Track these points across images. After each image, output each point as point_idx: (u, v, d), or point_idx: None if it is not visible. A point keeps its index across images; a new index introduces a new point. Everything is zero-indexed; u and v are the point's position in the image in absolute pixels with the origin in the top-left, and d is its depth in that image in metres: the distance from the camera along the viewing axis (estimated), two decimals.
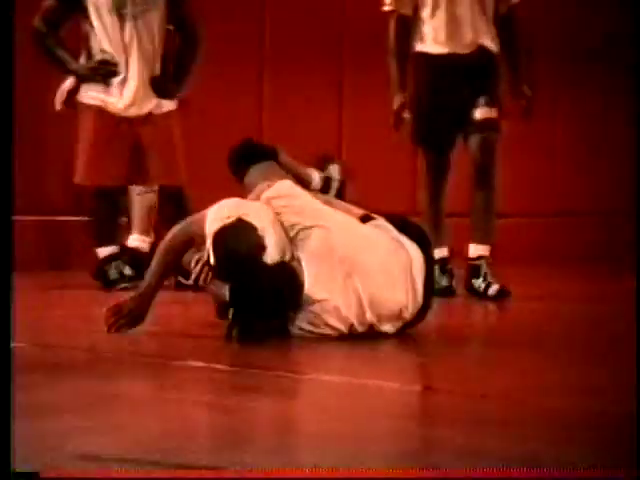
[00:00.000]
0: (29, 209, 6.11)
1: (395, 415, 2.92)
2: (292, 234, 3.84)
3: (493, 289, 5.40)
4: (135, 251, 5.72)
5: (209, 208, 3.88)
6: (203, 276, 3.95)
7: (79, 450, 2.43)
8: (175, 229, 3.96)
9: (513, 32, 5.52)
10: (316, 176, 4.39)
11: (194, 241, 3.91)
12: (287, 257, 3.83)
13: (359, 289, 3.82)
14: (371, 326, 3.91)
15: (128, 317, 3.92)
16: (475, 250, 5.49)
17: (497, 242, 5.58)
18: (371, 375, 3.41)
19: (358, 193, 4.54)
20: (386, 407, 2.99)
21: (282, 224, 3.85)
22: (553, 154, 7.94)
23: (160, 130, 5.33)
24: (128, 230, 5.91)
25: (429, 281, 3.99)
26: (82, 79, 5.31)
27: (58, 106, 5.78)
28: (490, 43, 5.48)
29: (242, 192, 4.14)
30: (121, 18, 5.24)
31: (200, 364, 3.50)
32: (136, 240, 5.82)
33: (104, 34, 5.24)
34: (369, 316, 3.86)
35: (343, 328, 3.86)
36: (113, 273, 5.42)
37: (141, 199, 5.80)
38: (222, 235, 3.73)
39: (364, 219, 4.04)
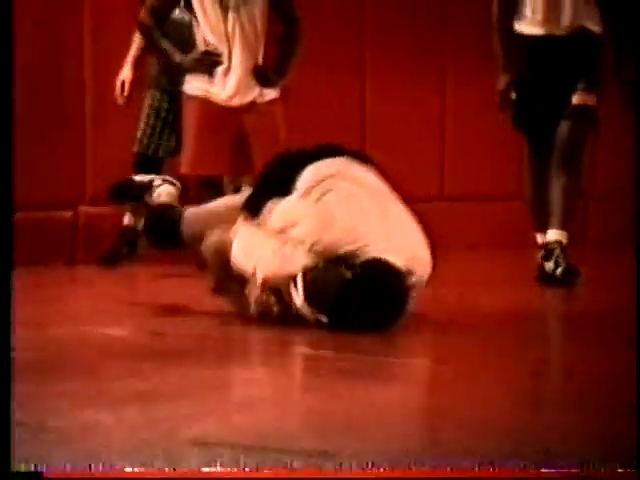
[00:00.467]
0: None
1: (506, 399, 2.90)
2: None
3: (560, 269, 5.32)
4: None
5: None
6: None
7: (190, 436, 2.46)
8: None
9: (617, 13, 5.40)
10: None
11: None
12: None
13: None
14: None
15: None
16: (552, 235, 5.41)
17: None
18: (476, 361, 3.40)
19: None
20: (500, 391, 2.97)
21: None
22: None
23: (263, 119, 5.36)
24: None
25: None
26: (187, 70, 5.36)
27: (120, 100, 5.85)
28: (592, 25, 5.37)
29: None
30: (224, 9, 5.28)
31: (307, 350, 3.52)
32: None
33: (207, 25, 5.28)
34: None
35: None
36: None
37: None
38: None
39: None
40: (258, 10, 5.32)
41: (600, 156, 7.02)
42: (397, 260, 3.79)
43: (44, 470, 1.78)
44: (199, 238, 4.09)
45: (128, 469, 2.21)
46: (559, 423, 2.61)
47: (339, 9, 6.95)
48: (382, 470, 1.82)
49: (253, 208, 3.98)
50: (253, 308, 3.90)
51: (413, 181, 7.09)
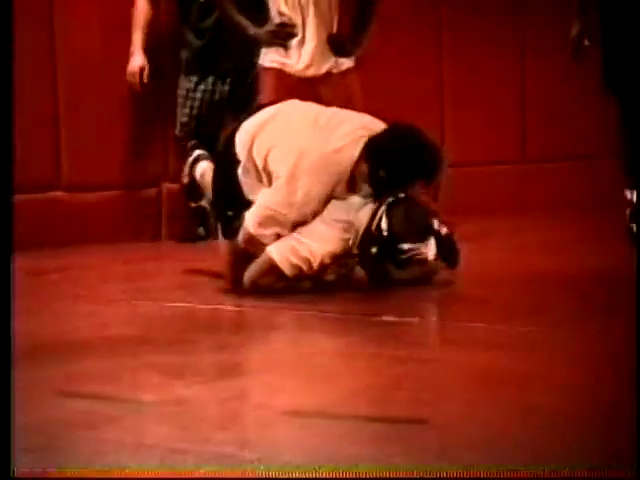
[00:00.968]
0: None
1: (603, 361, 2.87)
2: None
3: None
4: None
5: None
6: None
7: (284, 407, 2.48)
8: None
9: None
10: None
11: None
12: None
13: None
14: None
15: None
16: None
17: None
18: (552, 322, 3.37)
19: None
20: (594, 353, 2.95)
21: None
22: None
23: (340, 88, 5.35)
24: None
25: None
26: (263, 43, 5.37)
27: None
28: None
29: None
30: None
31: (393, 319, 3.52)
32: None
33: None
34: None
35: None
36: None
37: None
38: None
39: None
40: None
41: None
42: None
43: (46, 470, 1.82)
44: None
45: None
46: None
47: None
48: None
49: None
50: (330, 277, 3.97)
51: (495, 144, 7.05)
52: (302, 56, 5.32)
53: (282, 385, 2.73)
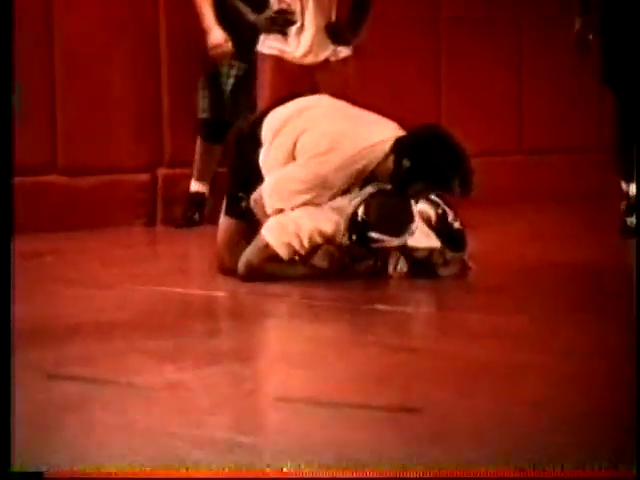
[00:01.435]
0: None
1: (593, 353, 2.88)
2: None
3: None
4: None
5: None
6: None
7: (276, 393, 2.49)
8: None
9: None
10: None
11: None
12: None
13: None
14: None
15: None
16: (635, 190, 5.32)
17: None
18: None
19: None
20: (584, 345, 2.96)
21: None
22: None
23: (337, 76, 5.35)
24: None
25: None
26: (261, 29, 5.36)
27: (227, 59, 5.81)
28: None
29: None
30: None
31: (386, 307, 3.53)
32: None
33: None
34: None
35: None
36: None
37: None
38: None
39: None
40: None
41: None
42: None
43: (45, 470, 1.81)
44: None
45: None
46: None
47: None
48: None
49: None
50: (322, 263, 3.98)
51: (492, 136, 7.04)
52: (301, 43, 5.32)
53: (274, 371, 2.73)
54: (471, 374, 2.65)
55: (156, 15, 6.04)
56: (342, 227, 3.96)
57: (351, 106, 4.33)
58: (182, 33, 6.04)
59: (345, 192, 4.02)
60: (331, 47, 5.37)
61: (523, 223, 6.01)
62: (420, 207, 4.05)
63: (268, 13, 5.32)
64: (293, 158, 4.10)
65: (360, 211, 3.94)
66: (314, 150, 4.02)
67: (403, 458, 2.00)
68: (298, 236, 3.92)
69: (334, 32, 5.34)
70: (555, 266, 4.43)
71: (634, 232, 5.28)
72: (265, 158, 4.12)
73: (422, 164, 3.99)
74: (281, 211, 3.98)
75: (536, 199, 6.91)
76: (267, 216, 4.00)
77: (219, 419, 2.29)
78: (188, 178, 5.97)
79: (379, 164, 4.04)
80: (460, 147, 4.07)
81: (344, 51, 5.40)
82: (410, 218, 3.98)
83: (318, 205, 3.98)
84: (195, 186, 5.96)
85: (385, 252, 3.99)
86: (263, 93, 5.42)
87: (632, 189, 5.37)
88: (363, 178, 4.06)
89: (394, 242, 3.94)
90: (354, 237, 3.94)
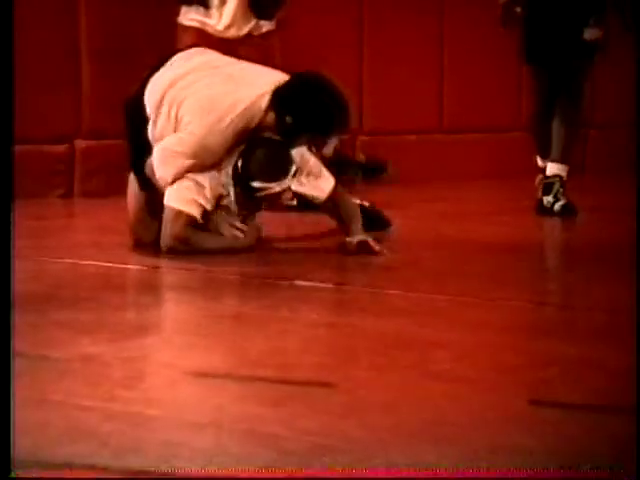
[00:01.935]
0: None
1: (505, 328, 2.92)
2: None
3: (558, 205, 5.35)
4: None
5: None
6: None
7: (191, 368, 2.48)
8: None
9: None
10: None
11: None
12: None
13: None
14: None
15: None
16: (553, 169, 5.42)
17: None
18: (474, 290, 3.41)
19: None
20: (497, 320, 3.00)
21: None
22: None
23: (260, 51, 5.32)
24: None
25: None
26: (182, 1, 5.31)
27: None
28: None
29: None
30: None
31: (307, 283, 3.53)
32: None
33: None
34: None
35: None
36: None
37: None
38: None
39: None
40: None
41: (600, 85, 6.98)
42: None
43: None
44: None
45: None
46: (558, 352, 2.64)
47: None
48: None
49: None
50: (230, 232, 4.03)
51: (412, 114, 7.09)
52: (223, 16, 5.28)
53: (189, 345, 2.72)
54: (386, 350, 2.67)
55: None
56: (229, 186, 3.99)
57: (233, 61, 4.34)
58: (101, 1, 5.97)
59: (231, 152, 4.03)
60: (254, 21, 5.34)
61: (443, 202, 6.06)
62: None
63: None
64: (179, 123, 4.10)
65: (239, 163, 3.95)
66: (194, 116, 4.03)
67: (316, 432, 2.01)
68: (200, 192, 3.96)
69: (257, 5, 5.31)
70: (472, 243, 4.48)
71: (550, 210, 5.37)
72: (152, 134, 4.12)
73: (305, 119, 4.01)
74: (174, 181, 3.98)
75: (455, 178, 6.97)
76: (164, 186, 4.02)
77: (132, 393, 2.28)
78: (107, 150, 5.91)
79: (261, 120, 4.04)
80: (339, 92, 4.08)
81: (267, 25, 5.38)
82: (288, 162, 3.98)
83: (205, 169, 4.00)
84: None
85: (274, 199, 4.00)
86: None
87: (548, 171, 5.45)
88: (247, 136, 4.06)
89: (276, 188, 3.95)
90: (238, 189, 3.96)
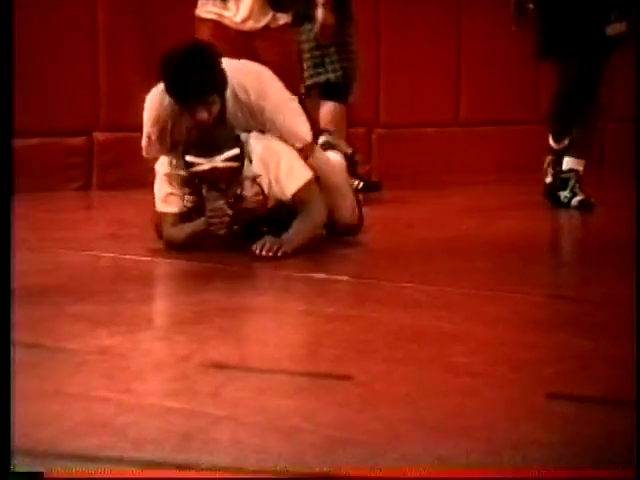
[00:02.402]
0: None
1: (521, 321, 2.91)
2: None
3: (576, 200, 5.32)
4: None
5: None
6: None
7: (209, 360, 2.48)
8: None
9: None
10: None
11: None
12: None
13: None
14: None
15: None
16: (569, 163, 5.39)
17: None
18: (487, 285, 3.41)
19: None
20: (513, 314, 2.99)
21: None
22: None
23: (277, 43, 5.32)
24: None
25: None
26: None
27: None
28: None
29: None
30: None
31: (322, 276, 3.53)
32: None
33: None
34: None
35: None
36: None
37: None
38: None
39: None
40: None
41: (618, 77, 6.95)
42: None
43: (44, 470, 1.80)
44: None
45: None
46: (575, 346, 2.63)
47: None
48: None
49: None
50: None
51: (429, 107, 7.07)
52: (240, 9, 5.28)
53: (206, 338, 2.72)
54: (403, 343, 2.66)
55: None
56: None
57: None
58: None
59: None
60: (271, 13, 5.34)
61: (459, 195, 6.05)
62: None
63: None
64: None
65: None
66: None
67: (333, 424, 2.01)
68: (170, 183, 3.97)
69: None
70: (488, 236, 4.46)
71: (567, 205, 5.34)
72: None
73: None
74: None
75: (473, 171, 6.95)
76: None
77: (149, 385, 2.28)
78: (124, 143, 5.91)
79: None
80: (186, 68, 3.96)
81: (283, 17, 5.38)
82: (228, 143, 3.93)
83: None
84: None
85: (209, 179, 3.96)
86: None
87: (564, 165, 5.42)
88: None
89: (205, 165, 3.92)
90: (174, 162, 3.99)
